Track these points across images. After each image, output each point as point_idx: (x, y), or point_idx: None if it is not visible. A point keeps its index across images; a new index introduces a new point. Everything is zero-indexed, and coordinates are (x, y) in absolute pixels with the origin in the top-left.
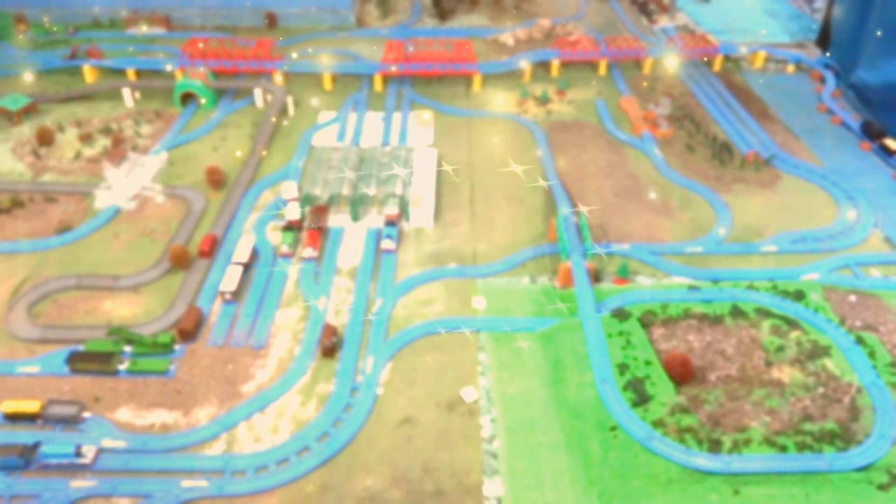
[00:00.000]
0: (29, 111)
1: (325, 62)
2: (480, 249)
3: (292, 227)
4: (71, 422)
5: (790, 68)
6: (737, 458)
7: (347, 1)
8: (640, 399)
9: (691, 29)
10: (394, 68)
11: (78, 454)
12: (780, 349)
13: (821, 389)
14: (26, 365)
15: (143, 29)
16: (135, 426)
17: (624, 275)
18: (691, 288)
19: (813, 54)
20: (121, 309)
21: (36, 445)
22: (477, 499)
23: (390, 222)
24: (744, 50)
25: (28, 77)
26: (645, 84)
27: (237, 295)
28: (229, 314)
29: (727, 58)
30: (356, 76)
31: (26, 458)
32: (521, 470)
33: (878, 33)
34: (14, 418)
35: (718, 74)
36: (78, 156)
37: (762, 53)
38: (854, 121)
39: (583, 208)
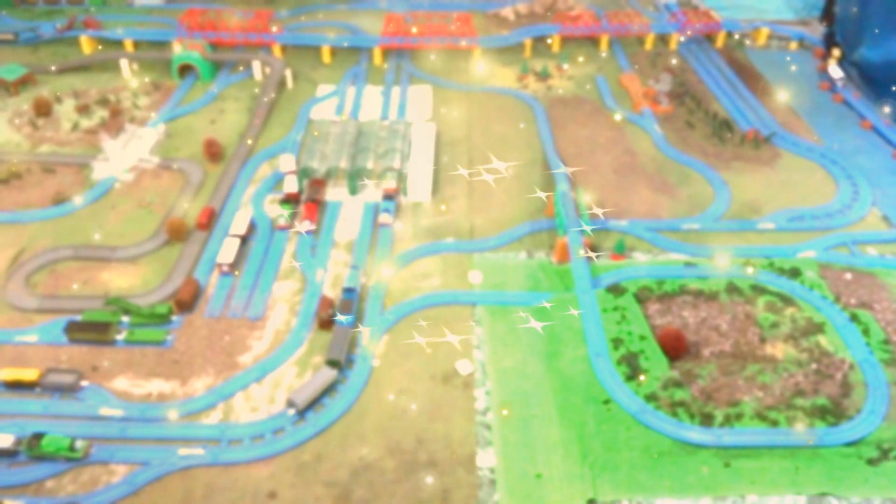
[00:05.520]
0: (25, 82)
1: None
2: (478, 224)
3: (290, 200)
4: (69, 390)
5: (793, 45)
6: (727, 431)
7: None
8: (634, 373)
9: (694, 4)
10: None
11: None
12: (775, 325)
13: (814, 365)
14: (25, 334)
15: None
16: (132, 395)
17: (620, 251)
18: (688, 264)
19: (817, 31)
20: (118, 279)
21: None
22: (470, 469)
23: (388, 196)
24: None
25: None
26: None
27: (234, 267)
28: (227, 286)
29: (729, 34)
30: (355, 49)
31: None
32: (515, 442)
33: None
34: (13, 386)
35: (720, 51)
36: (75, 127)
37: (765, 30)
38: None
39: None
